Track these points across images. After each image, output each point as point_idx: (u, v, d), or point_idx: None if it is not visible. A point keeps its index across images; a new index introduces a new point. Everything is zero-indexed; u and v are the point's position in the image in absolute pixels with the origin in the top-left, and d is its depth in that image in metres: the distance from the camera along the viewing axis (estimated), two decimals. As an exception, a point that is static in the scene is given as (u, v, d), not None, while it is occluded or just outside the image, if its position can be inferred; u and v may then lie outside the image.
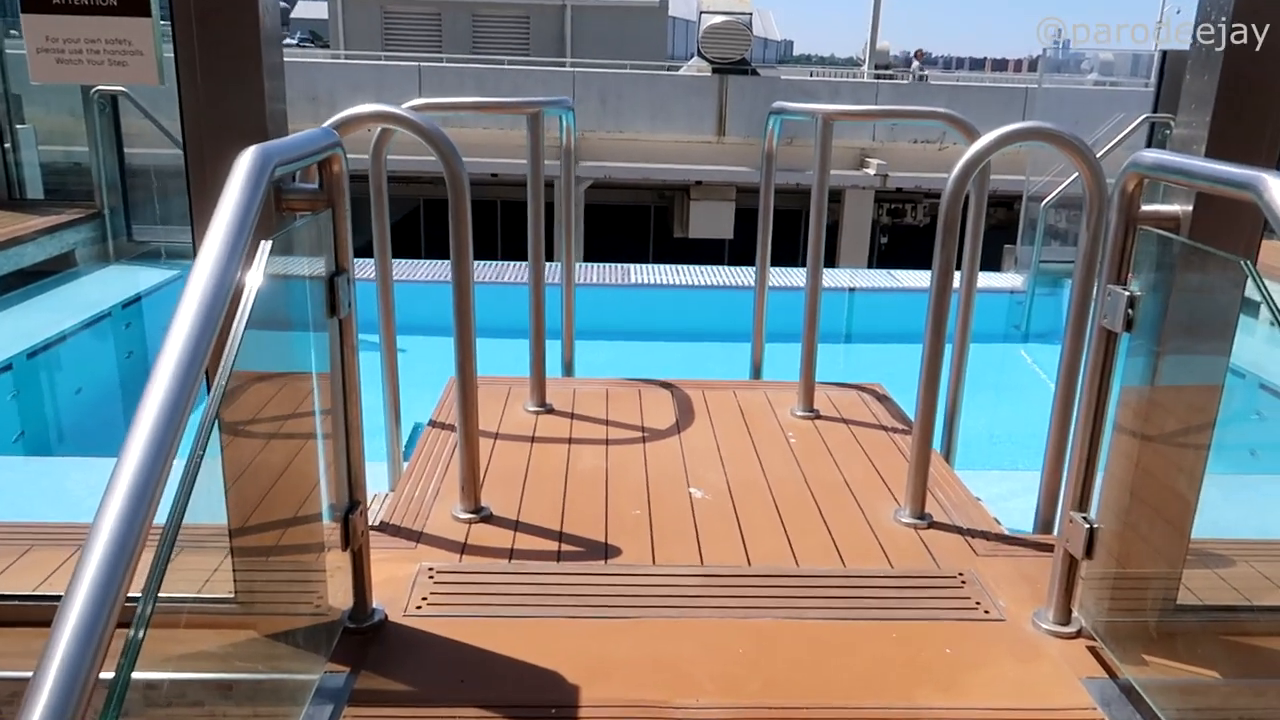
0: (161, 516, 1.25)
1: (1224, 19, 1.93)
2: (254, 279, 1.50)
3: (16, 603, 2.12)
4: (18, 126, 7.12)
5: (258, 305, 1.75)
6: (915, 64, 31.40)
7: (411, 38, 21.66)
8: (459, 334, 2.50)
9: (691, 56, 17.85)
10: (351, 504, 2.03)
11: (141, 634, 1.12)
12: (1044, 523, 2.74)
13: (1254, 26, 1.87)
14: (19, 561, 2.39)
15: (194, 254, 1.92)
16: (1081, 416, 2.09)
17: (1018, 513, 3.19)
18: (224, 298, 1.28)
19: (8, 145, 7.04)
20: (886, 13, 20.27)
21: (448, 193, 2.37)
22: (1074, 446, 2.14)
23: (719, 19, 16.15)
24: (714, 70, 15.78)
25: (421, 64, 15.89)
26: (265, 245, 1.53)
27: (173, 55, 1.75)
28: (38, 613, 2.06)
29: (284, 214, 1.85)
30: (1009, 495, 3.71)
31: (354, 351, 1.97)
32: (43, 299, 5.99)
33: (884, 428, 3.35)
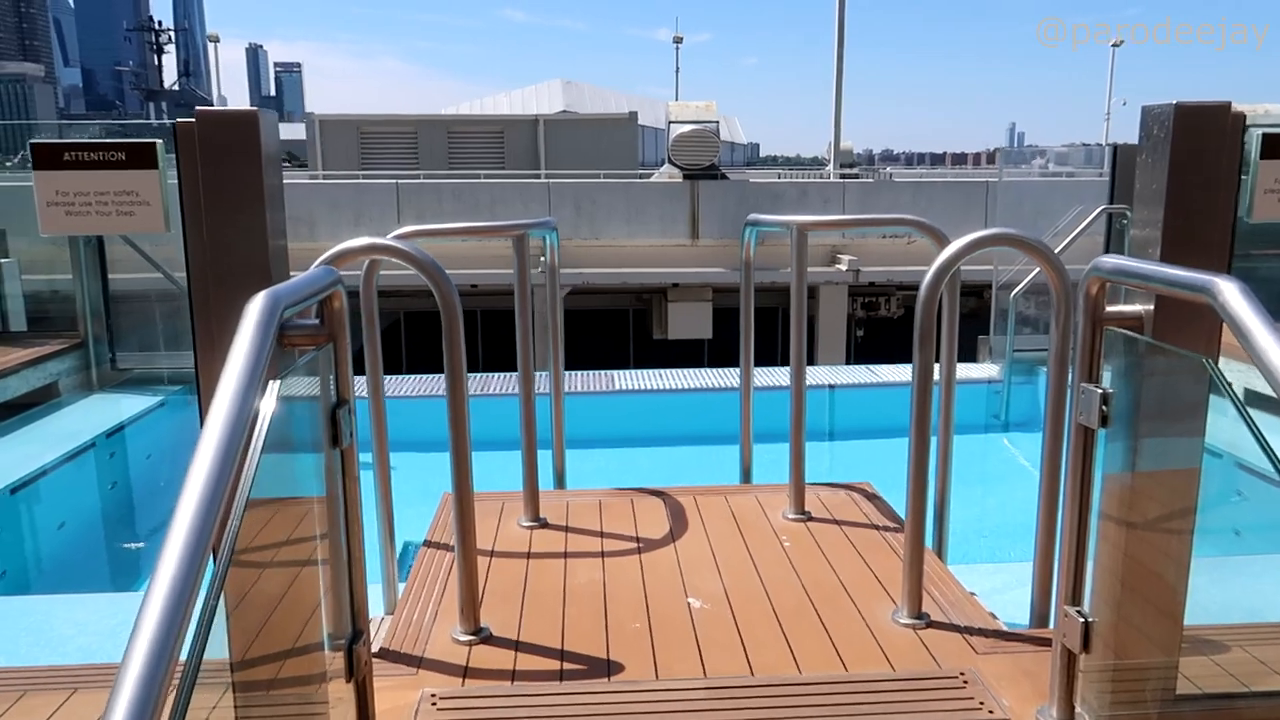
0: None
1: (1165, 129, 2.07)
2: (263, 419, 1.55)
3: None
4: (1, 261, 7.21)
5: (271, 434, 1.80)
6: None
7: (388, 155, 22.23)
8: (455, 454, 2.54)
9: (662, 163, 18.38)
10: (355, 634, 2.03)
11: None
12: (1040, 616, 2.77)
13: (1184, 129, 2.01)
14: (12, 709, 2.35)
15: (199, 398, 1.97)
16: (1067, 512, 2.14)
17: (1013, 605, 3.21)
18: (236, 449, 1.32)
19: (-9, 279, 7.13)
20: (847, 113, 21.03)
21: (441, 317, 2.45)
22: (1062, 541, 2.19)
23: (688, 128, 16.68)
24: (685, 176, 16.23)
25: (399, 181, 16.24)
26: (274, 385, 1.59)
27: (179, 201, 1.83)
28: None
29: (286, 350, 1.91)
30: (1004, 588, 3.73)
31: (355, 481, 2.01)
32: (25, 431, 5.98)
33: (875, 527, 3.39)
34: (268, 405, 1.55)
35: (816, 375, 7.51)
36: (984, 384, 7.22)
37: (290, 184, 18.00)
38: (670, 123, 17.24)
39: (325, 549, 2.06)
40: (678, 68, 41.90)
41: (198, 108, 1.78)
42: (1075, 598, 2.17)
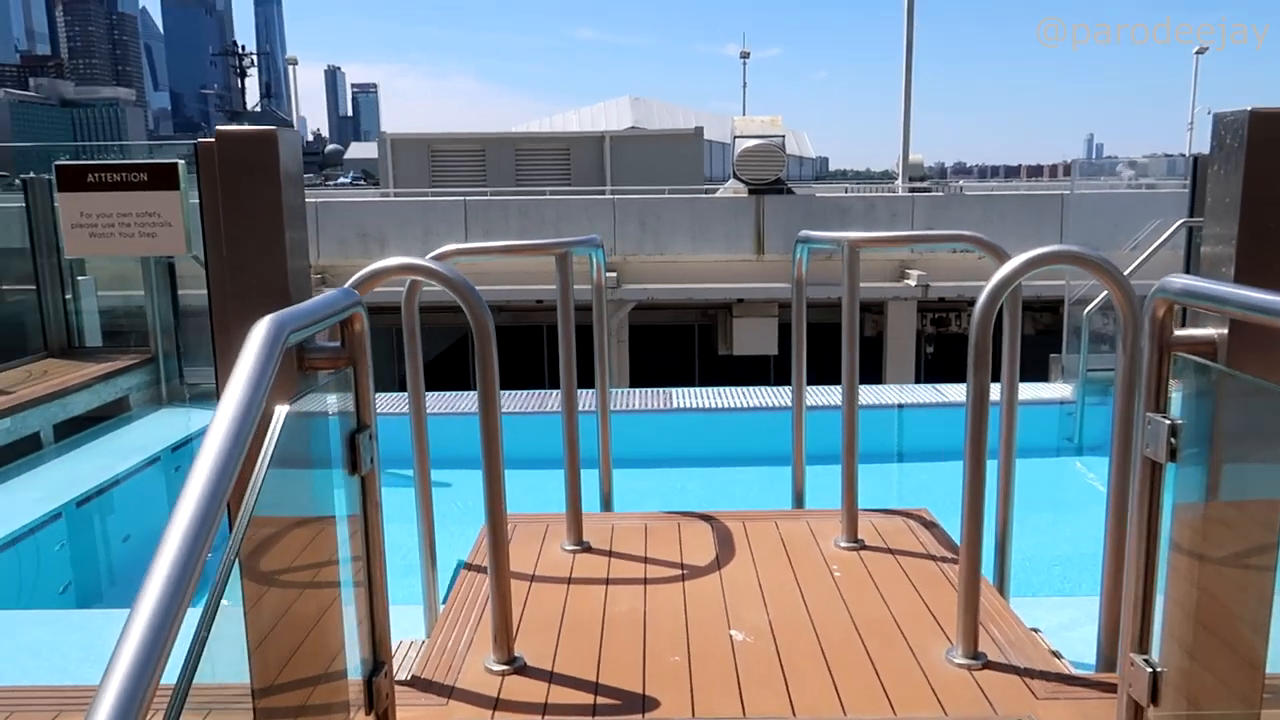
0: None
1: (1239, 137, 1.91)
2: (268, 444, 1.51)
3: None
4: (79, 278, 7.44)
5: (283, 459, 1.76)
6: None
7: (457, 173, 22.52)
8: (488, 477, 2.48)
9: (728, 178, 18.27)
10: (376, 665, 1.98)
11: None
12: (1107, 659, 2.59)
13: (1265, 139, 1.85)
14: (48, 727, 2.35)
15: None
16: (1133, 551, 1.99)
17: (1082, 643, 3.02)
18: (229, 476, 1.28)
19: (69, 296, 7.34)
20: (918, 126, 20.69)
21: (474, 337, 2.39)
22: (1129, 583, 2.03)
23: (753, 142, 16.56)
24: (750, 191, 16.10)
25: (467, 198, 16.40)
26: (282, 411, 1.54)
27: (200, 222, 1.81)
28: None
29: (306, 373, 1.87)
30: (1072, 624, 3.53)
31: (377, 508, 1.96)
32: (95, 445, 6.12)
33: (932, 557, 3.23)
34: (274, 430, 1.51)
35: (882, 394, 7.32)
36: (1056, 405, 6.94)
37: (361, 202, 18.42)
38: (735, 137, 17.15)
39: (351, 576, 2.02)
40: (745, 83, 41.85)
41: (218, 127, 1.76)
42: (1142, 644, 2.01)
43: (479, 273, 14.35)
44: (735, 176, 16.79)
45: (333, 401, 1.93)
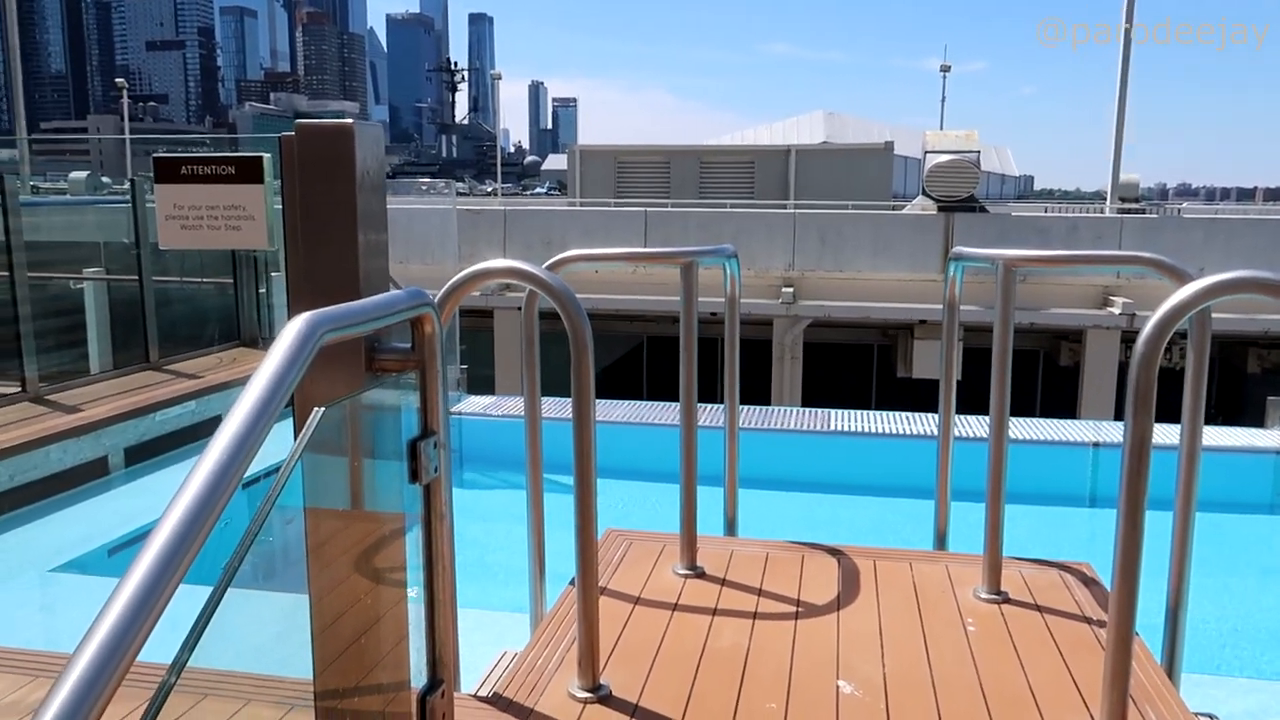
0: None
1: None
2: (301, 442, 1.46)
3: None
4: (272, 274, 7.94)
5: (338, 457, 1.70)
6: None
7: (642, 184, 22.79)
8: (579, 495, 2.35)
9: (919, 195, 17.55)
10: (432, 683, 1.89)
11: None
12: (1291, 765, 2.17)
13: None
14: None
15: (293, 412, 1.91)
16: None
17: (1269, 737, 2.59)
18: (232, 472, 1.21)
19: (262, 291, 7.85)
20: (1137, 143, 19.23)
21: (570, 350, 2.28)
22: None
23: (945, 158, 15.82)
24: (940, 208, 15.38)
25: (648, 208, 16.51)
26: (318, 412, 1.48)
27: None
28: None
29: (376, 374, 1.81)
30: (1260, 711, 3.06)
31: (442, 519, 1.87)
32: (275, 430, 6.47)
33: (1086, 619, 2.85)
34: (308, 431, 1.44)
35: (1068, 430, 6.72)
36: (1272, 454, 6.14)
37: (548, 210, 18.96)
38: (926, 153, 16.44)
39: (418, 589, 1.95)
40: (944, 97, 40.36)
41: (298, 120, 1.73)
42: (1326, 759, 1.64)
43: (659, 283, 14.38)
44: (925, 193, 16.09)
45: (404, 404, 1.87)
